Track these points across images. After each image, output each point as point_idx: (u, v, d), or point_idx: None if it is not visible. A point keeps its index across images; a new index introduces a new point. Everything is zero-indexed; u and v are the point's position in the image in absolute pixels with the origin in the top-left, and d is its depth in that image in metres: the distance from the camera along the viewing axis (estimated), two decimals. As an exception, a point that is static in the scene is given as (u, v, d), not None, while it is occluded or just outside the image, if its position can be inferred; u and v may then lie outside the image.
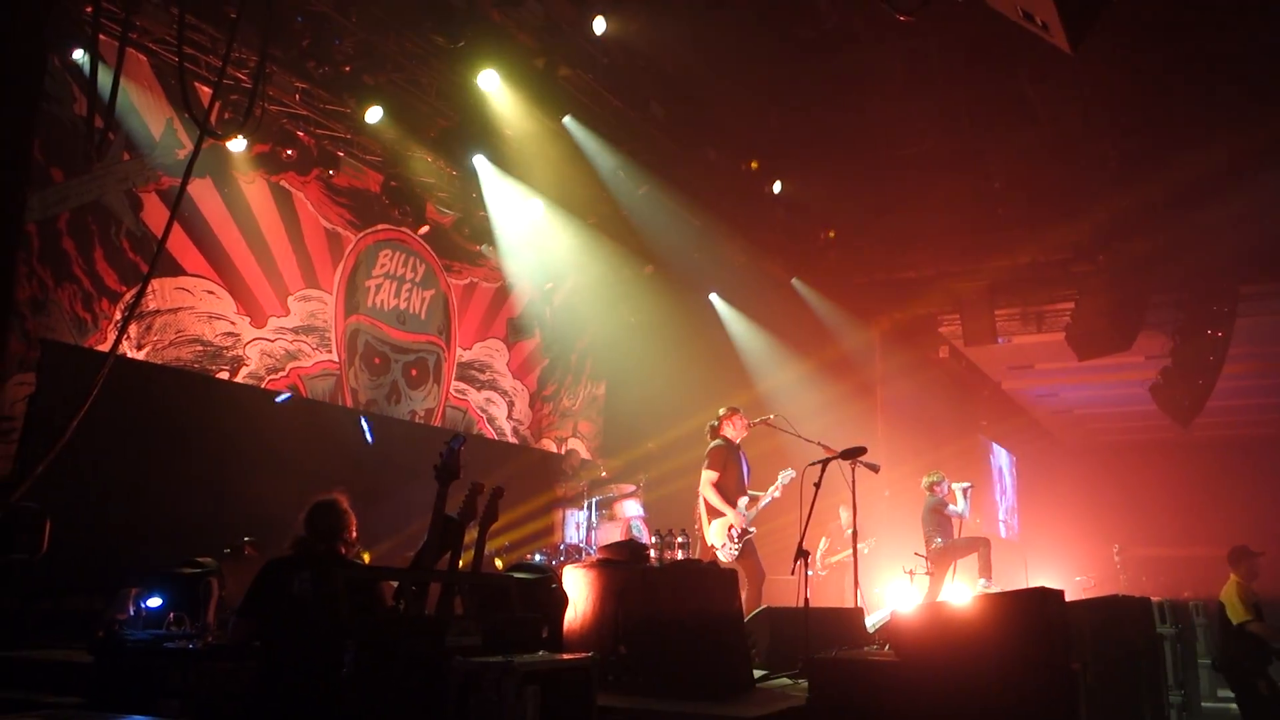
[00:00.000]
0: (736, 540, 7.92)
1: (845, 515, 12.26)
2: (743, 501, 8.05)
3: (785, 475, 8.12)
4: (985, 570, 10.09)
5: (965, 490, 10.67)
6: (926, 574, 9.91)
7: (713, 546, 8.00)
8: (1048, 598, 4.09)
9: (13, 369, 7.08)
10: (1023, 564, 14.69)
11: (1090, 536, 19.26)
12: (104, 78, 6.44)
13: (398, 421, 10.74)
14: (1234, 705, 10.51)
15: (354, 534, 4.93)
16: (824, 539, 12.01)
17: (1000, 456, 21.72)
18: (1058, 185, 11.86)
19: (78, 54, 7.56)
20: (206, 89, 8.30)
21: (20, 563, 4.97)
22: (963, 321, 14.08)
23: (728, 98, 10.24)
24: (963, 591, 9.89)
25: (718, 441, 8.28)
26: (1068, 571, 16.32)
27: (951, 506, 10.54)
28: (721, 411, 8.47)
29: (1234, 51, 9.43)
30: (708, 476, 8.07)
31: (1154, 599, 8.96)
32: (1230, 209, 11.51)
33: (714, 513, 8.04)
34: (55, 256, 7.66)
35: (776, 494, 8.17)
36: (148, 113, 8.37)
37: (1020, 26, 4.50)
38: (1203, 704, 9.84)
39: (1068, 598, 4.42)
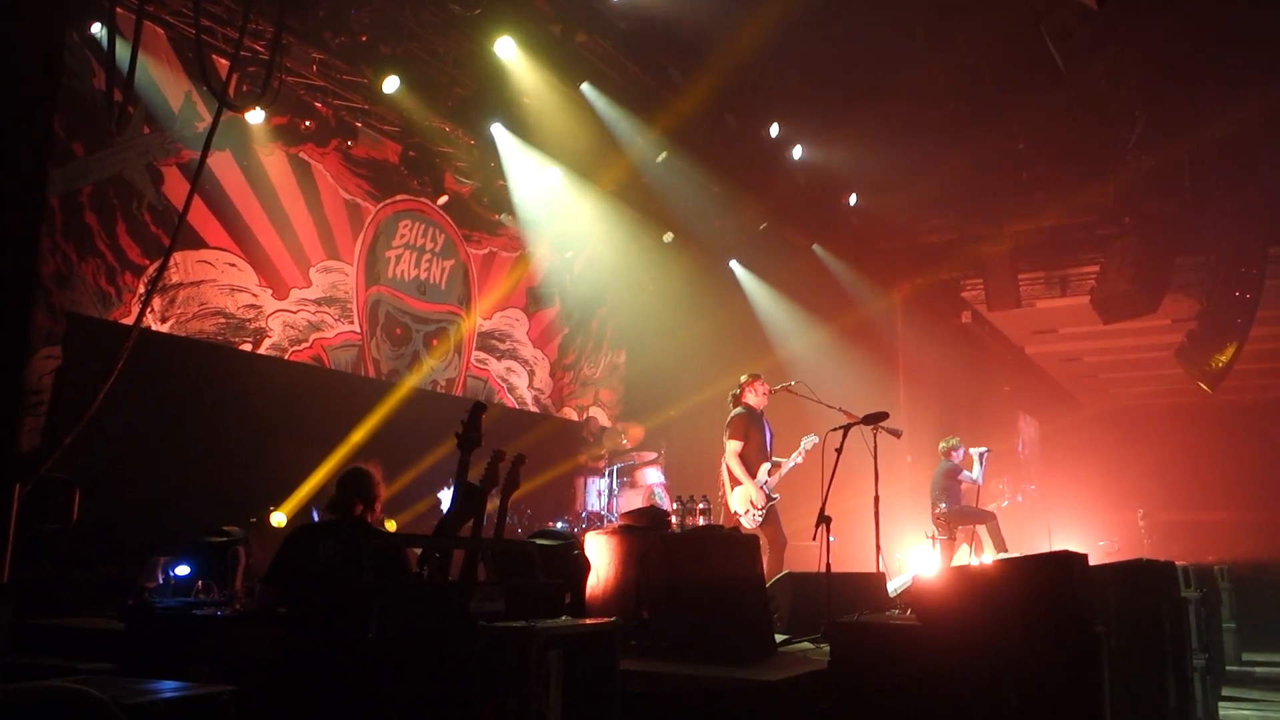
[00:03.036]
0: (759, 507, 7.94)
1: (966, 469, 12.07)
2: (764, 468, 8.06)
3: (809, 441, 8.12)
4: (1000, 545, 10.07)
5: (981, 456, 10.62)
6: (930, 538, 9.99)
7: (736, 513, 8.03)
8: (1071, 561, 4.07)
9: (39, 343, 7.17)
10: (1046, 529, 14.64)
11: (1114, 501, 19.16)
12: (122, 51, 6.45)
13: (419, 391, 10.80)
14: (1257, 669, 10.50)
15: (380, 503, 4.99)
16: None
17: (1024, 421, 21.61)
18: (1082, 146, 11.69)
19: (95, 28, 7.57)
20: (224, 61, 8.30)
21: (52, 533, 5.05)
22: (986, 286, 13.96)
23: (746, 62, 10.12)
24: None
25: (740, 409, 8.28)
26: (1091, 536, 16.25)
27: (966, 473, 10.50)
28: (743, 378, 8.47)
29: (1259, 12, 9.24)
30: (731, 446, 8.08)
31: (1179, 563, 8.92)
32: (1259, 168, 11.32)
33: (737, 480, 8.07)
34: (78, 231, 7.71)
35: (799, 459, 8.18)
36: (166, 86, 8.39)
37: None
38: (1227, 667, 9.82)
39: (1091, 562, 4.41)
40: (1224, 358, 12.93)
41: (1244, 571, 11.66)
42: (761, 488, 7.99)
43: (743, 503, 7.99)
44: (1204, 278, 12.92)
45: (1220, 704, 8.14)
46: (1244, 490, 19.84)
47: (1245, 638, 11.24)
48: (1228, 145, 11.09)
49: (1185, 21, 9.41)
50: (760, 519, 7.93)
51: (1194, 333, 13.09)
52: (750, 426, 8.17)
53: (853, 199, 13.16)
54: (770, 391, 8.39)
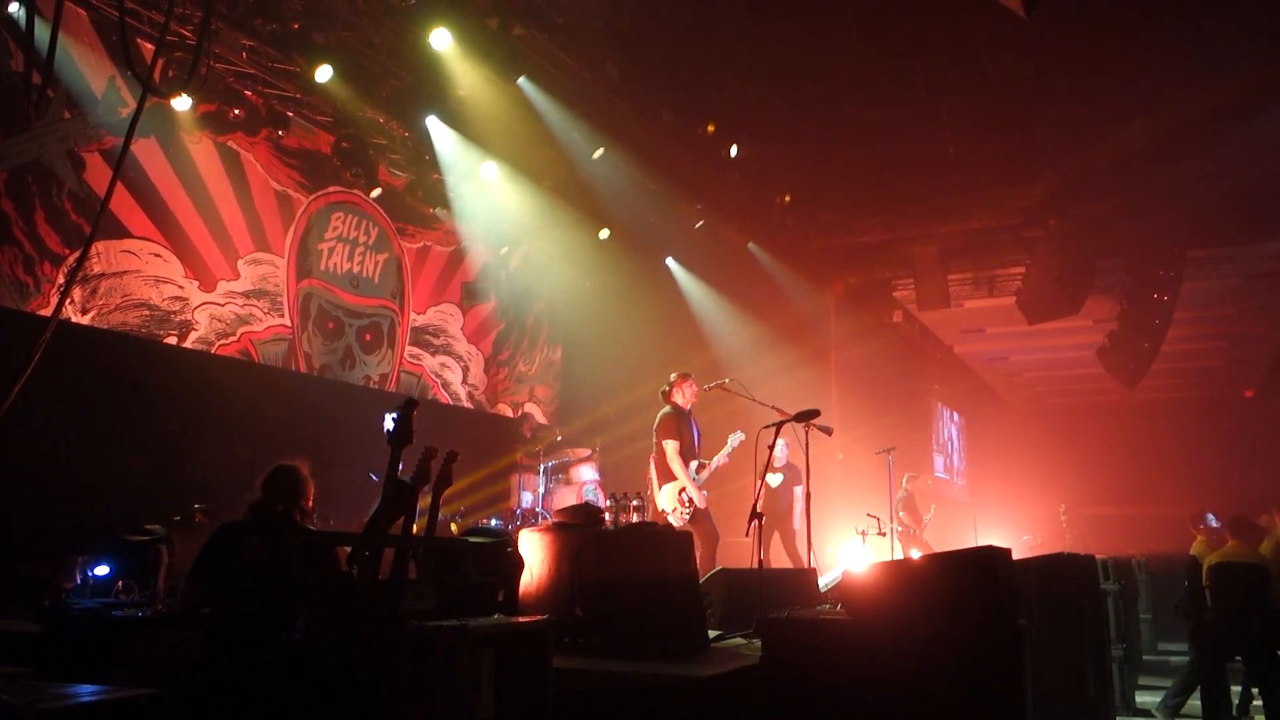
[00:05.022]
0: (688, 505, 7.96)
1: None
2: (693, 466, 8.09)
3: (735, 438, 8.17)
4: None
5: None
6: (861, 534, 10.05)
7: (664, 511, 8.03)
8: (995, 556, 4.16)
9: (-49, 334, 6.90)
10: (972, 524, 14.96)
11: (1037, 497, 19.65)
12: (42, 33, 6.23)
13: (351, 386, 10.64)
14: (1172, 658, 10.86)
15: (310, 501, 4.90)
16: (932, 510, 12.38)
17: (951, 419, 22.05)
18: (1010, 151, 11.98)
19: (14, 7, 7.29)
20: (150, 45, 8.06)
21: (-37, 531, 4.87)
22: (916, 286, 14.21)
23: (684, 60, 10.17)
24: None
25: (668, 409, 8.29)
26: (1015, 531, 16.65)
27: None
28: (672, 377, 8.47)
29: (1181, 22, 9.54)
30: (669, 446, 8.07)
31: (1098, 557, 9.19)
32: (1177, 175, 11.70)
33: (665, 477, 8.06)
34: (-6, 218, 7.44)
35: (724, 459, 8.22)
36: (89, 70, 8.12)
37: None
38: (1144, 656, 10.15)
39: (1015, 556, 4.51)
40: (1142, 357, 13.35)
41: (1160, 564, 12.04)
42: (697, 485, 8.02)
43: (671, 500, 8.00)
44: (1124, 280, 13.32)
45: (1137, 692, 8.42)
46: (1161, 485, 20.50)
47: (1161, 628, 11.62)
48: (1148, 152, 11.44)
49: (1110, 32, 9.69)
50: (688, 517, 7.96)
51: (1114, 333, 13.49)
52: (681, 425, 8.20)
53: (788, 198, 13.29)
54: (699, 391, 8.41)
